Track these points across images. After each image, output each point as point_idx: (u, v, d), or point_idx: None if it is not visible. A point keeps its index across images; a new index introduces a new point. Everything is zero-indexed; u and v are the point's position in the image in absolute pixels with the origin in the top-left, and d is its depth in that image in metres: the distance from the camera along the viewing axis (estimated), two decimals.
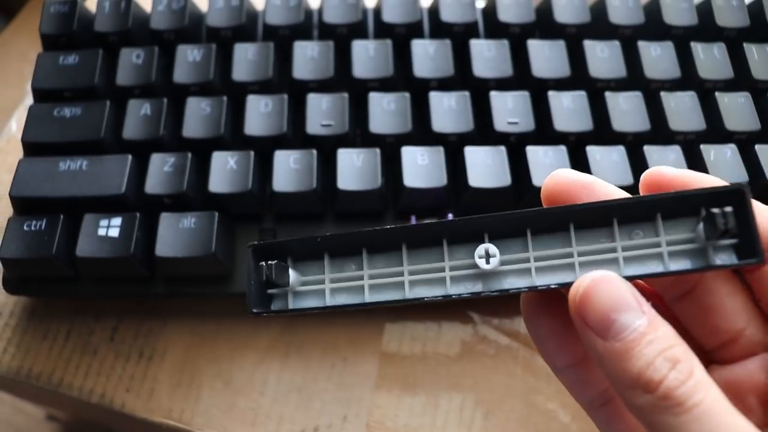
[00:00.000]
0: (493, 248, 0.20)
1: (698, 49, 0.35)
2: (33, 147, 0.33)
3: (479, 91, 0.34)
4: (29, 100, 0.35)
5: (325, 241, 0.20)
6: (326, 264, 0.20)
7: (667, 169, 0.21)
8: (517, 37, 0.35)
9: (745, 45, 0.35)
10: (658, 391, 0.18)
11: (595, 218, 0.20)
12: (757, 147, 0.33)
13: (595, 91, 0.34)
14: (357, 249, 0.20)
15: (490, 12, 0.36)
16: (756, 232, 0.18)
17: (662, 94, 0.34)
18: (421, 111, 0.33)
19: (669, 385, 0.18)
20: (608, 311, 0.18)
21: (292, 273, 0.20)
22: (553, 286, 0.19)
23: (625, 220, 0.19)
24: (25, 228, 0.30)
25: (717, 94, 0.34)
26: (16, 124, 0.38)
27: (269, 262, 0.19)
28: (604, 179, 0.31)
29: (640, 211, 0.19)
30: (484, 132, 0.33)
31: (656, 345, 0.18)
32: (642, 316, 0.18)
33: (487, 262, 0.20)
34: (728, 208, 0.18)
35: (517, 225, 0.20)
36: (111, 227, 0.31)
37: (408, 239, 0.20)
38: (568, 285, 0.19)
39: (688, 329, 0.22)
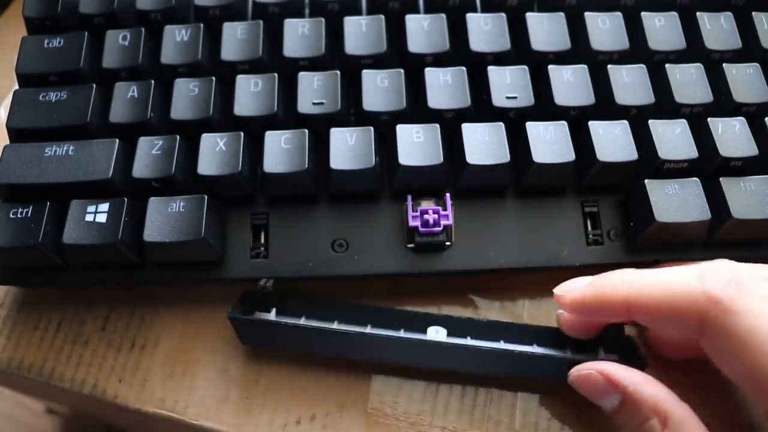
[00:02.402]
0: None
1: (704, 19, 0.34)
2: (19, 133, 0.32)
3: (476, 66, 0.32)
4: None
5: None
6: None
7: (563, 295, 0.27)
8: (515, 10, 0.34)
9: (754, 14, 0.34)
10: None
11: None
12: (767, 119, 0.31)
13: (597, 64, 0.33)
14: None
15: None
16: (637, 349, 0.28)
17: (667, 66, 0.32)
18: (416, 88, 0.32)
19: None
20: (590, 397, 0.27)
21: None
22: None
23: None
24: (11, 216, 0.30)
25: (725, 65, 0.33)
26: (4, 112, 0.37)
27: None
28: (607, 154, 0.30)
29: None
30: (481, 108, 0.32)
31: (632, 421, 0.25)
32: (616, 397, 0.25)
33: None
34: None
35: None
36: (98, 213, 0.30)
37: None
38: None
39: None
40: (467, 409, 0.30)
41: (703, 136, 0.31)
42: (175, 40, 0.33)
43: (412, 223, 0.30)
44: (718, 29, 0.33)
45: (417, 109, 0.32)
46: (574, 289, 0.26)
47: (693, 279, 0.23)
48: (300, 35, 0.33)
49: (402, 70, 0.32)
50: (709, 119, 0.31)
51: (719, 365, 0.24)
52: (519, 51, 0.33)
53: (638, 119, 0.31)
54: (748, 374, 0.22)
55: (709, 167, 0.31)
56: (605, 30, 0.33)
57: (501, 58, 0.33)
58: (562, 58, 0.33)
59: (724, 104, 0.32)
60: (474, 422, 0.30)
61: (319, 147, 0.31)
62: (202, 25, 0.33)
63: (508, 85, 0.32)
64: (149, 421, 0.31)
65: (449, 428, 0.30)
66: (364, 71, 0.32)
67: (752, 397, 0.22)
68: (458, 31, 0.34)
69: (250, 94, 0.32)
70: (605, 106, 0.32)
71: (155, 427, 0.33)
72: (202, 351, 0.31)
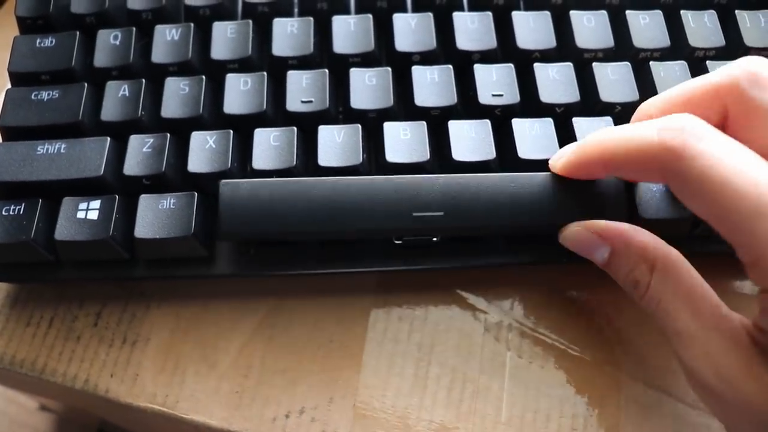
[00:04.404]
0: None
1: (688, 17, 0.34)
2: (11, 131, 0.32)
3: (463, 64, 0.33)
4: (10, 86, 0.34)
5: None
6: None
7: (554, 164, 0.28)
8: (501, 9, 0.34)
9: (737, 12, 0.34)
10: (634, 300, 0.27)
11: None
12: None
13: (582, 62, 0.33)
14: None
15: None
16: None
17: (651, 63, 0.33)
18: (403, 86, 0.33)
19: (635, 298, 0.26)
20: (581, 253, 0.28)
21: None
22: None
23: None
24: (3, 213, 0.30)
25: (708, 62, 0.33)
26: None
27: None
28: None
29: None
30: (468, 105, 0.32)
31: (621, 269, 0.27)
32: (606, 249, 0.27)
33: None
34: None
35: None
36: (90, 210, 0.30)
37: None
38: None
39: None
40: (454, 402, 0.30)
41: None
42: (166, 40, 0.33)
43: None
44: (702, 27, 0.34)
45: (404, 107, 0.33)
46: (562, 155, 0.28)
47: (651, 132, 0.24)
48: (289, 34, 0.33)
49: (389, 69, 0.33)
50: None
51: (689, 208, 0.25)
52: (505, 49, 0.34)
53: (622, 116, 0.32)
54: (708, 214, 0.23)
55: None
56: (590, 28, 0.34)
57: (487, 56, 0.33)
58: (547, 56, 0.33)
59: None
60: (461, 415, 0.30)
61: (308, 144, 0.32)
62: (192, 24, 0.34)
63: (495, 82, 0.32)
64: (141, 416, 0.32)
65: (436, 421, 0.30)
66: (352, 70, 0.33)
67: (723, 236, 0.23)
68: (445, 30, 0.34)
69: (240, 93, 0.32)
70: (590, 104, 0.32)
71: (147, 422, 0.33)
72: (193, 346, 0.32)
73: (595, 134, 0.27)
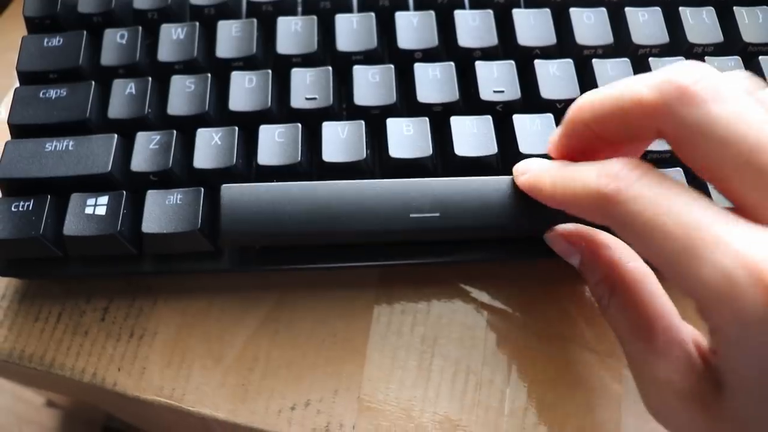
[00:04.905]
0: None
1: (687, 13, 0.34)
2: (20, 129, 0.33)
3: (464, 61, 0.33)
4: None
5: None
6: None
7: (517, 179, 0.28)
8: (501, 7, 0.35)
9: (735, 8, 0.35)
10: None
11: None
12: None
13: (582, 58, 0.33)
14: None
15: None
16: None
17: (651, 60, 0.33)
18: (405, 82, 0.33)
19: (600, 310, 0.27)
20: (560, 255, 0.29)
21: None
22: None
23: None
24: (12, 209, 0.30)
25: (707, 58, 0.33)
26: (5, 110, 0.38)
27: None
28: None
29: None
30: (470, 101, 0.33)
31: (589, 280, 0.28)
32: (576, 257, 0.28)
33: None
34: None
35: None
36: (98, 206, 0.31)
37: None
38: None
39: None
40: (458, 394, 0.31)
41: None
42: (172, 39, 0.34)
43: None
44: (700, 23, 0.34)
45: (407, 103, 0.33)
46: (525, 171, 0.28)
47: (592, 177, 0.23)
48: (293, 33, 0.34)
49: (392, 66, 0.33)
50: None
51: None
52: (506, 46, 0.34)
53: None
54: (646, 257, 0.23)
55: None
56: (590, 25, 0.34)
57: (488, 53, 0.34)
58: (548, 52, 0.34)
59: None
60: (464, 407, 0.31)
61: (312, 140, 0.32)
62: (197, 23, 0.34)
63: (496, 79, 0.33)
64: (148, 409, 0.32)
65: (440, 413, 0.30)
66: (355, 67, 0.33)
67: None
68: (447, 28, 0.34)
69: (245, 90, 0.33)
70: None
71: (153, 416, 0.34)
72: (199, 340, 0.32)
73: (546, 171, 0.26)
